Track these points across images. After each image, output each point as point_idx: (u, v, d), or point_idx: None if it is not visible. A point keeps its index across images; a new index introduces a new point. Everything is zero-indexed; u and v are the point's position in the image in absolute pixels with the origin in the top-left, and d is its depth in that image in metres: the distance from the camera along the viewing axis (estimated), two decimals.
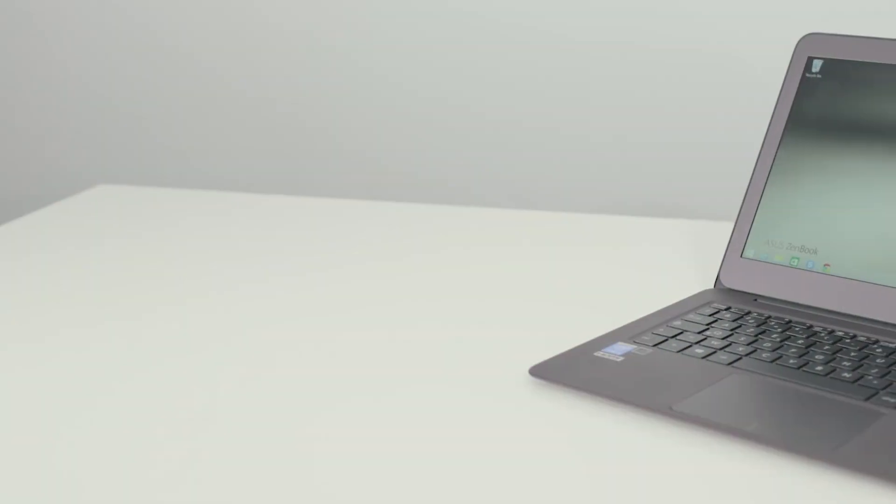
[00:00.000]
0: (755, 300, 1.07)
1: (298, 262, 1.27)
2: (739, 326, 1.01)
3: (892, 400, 0.86)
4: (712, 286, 1.12)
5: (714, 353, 0.96)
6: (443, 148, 1.88)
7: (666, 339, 0.99)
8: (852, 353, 0.95)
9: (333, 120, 1.92)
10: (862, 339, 0.98)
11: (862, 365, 0.93)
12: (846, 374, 0.91)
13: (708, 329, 1.01)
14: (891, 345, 0.96)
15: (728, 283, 1.10)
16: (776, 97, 1.12)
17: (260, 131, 1.95)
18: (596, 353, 0.96)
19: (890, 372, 0.91)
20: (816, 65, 1.12)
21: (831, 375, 0.91)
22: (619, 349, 0.97)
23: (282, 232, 1.38)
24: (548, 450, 0.83)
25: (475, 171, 1.87)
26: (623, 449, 0.84)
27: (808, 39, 1.13)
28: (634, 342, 0.98)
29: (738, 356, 0.95)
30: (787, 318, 1.03)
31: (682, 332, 1.00)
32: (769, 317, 1.03)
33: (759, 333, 1.00)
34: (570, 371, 0.94)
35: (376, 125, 1.90)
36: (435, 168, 1.89)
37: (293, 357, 1.00)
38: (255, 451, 0.83)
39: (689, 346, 0.97)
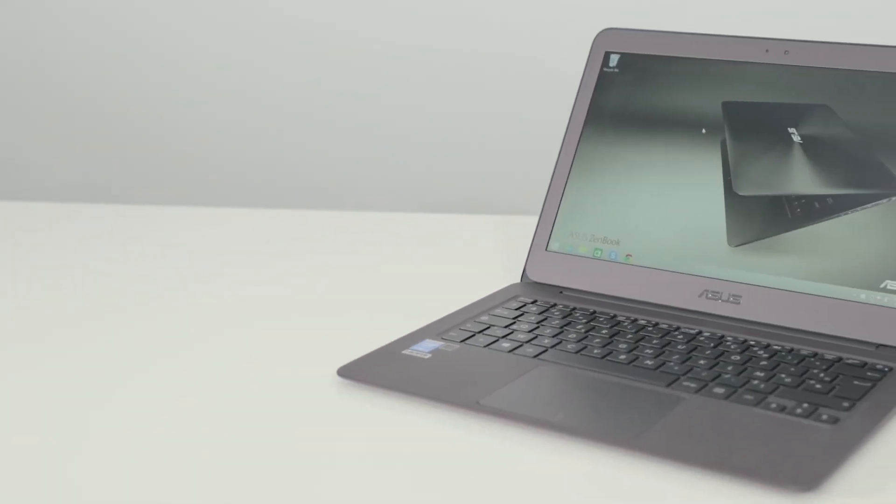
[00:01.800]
0: (561, 292, 1.09)
1: (113, 265, 1.24)
2: (545, 319, 1.02)
3: (693, 385, 0.88)
4: (519, 280, 1.13)
5: (520, 346, 0.96)
6: (252, 149, 1.86)
7: (473, 335, 0.99)
8: (654, 341, 0.97)
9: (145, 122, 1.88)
10: (664, 326, 1.00)
11: (664, 352, 0.95)
12: (648, 362, 0.93)
13: (514, 323, 1.01)
14: (691, 331, 0.99)
15: (534, 276, 1.11)
16: (575, 92, 1.13)
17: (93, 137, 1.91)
18: (404, 352, 0.96)
19: (690, 358, 0.93)
20: (613, 59, 1.14)
21: (634, 363, 0.93)
22: (427, 346, 0.97)
23: (106, 238, 1.35)
24: (356, 449, 0.83)
25: (281, 173, 1.86)
26: (431, 446, 0.84)
27: (605, 34, 1.15)
28: (442, 339, 0.98)
29: (544, 348, 0.96)
30: (592, 308, 1.04)
31: (489, 327, 1.00)
32: (574, 308, 1.05)
33: (565, 325, 1.01)
34: (378, 370, 0.93)
35: (193, 125, 1.87)
36: (241, 170, 1.87)
37: (102, 353, 0.98)
38: (97, 453, 0.81)
39: (496, 341, 0.98)
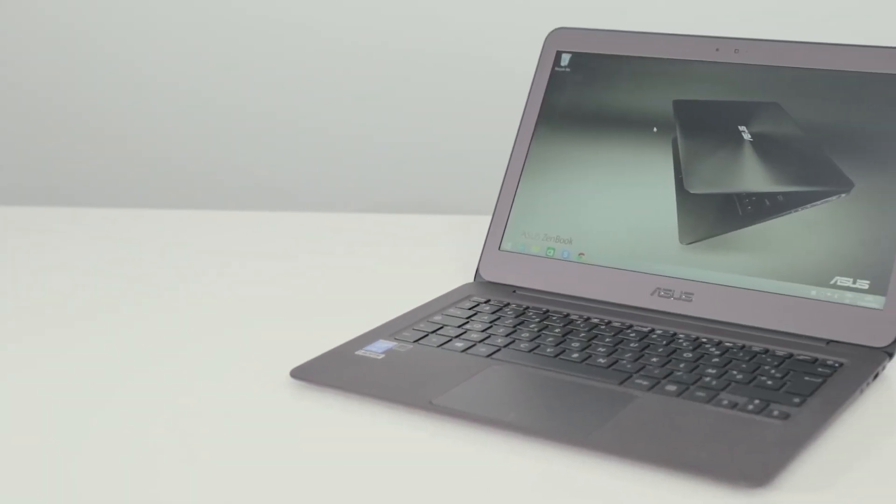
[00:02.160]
0: (514, 291, 1.09)
1: (74, 267, 1.23)
2: (498, 318, 1.02)
3: (645, 383, 0.89)
4: (472, 280, 1.13)
5: (473, 345, 0.96)
6: (206, 151, 1.85)
7: (426, 335, 0.99)
8: (607, 339, 0.97)
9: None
10: (616, 324, 1.00)
11: (616, 350, 0.95)
12: (601, 360, 0.93)
13: (468, 322, 1.01)
14: (643, 329, 0.99)
15: (487, 276, 1.11)
16: (527, 91, 1.14)
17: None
18: (357, 352, 0.96)
19: (643, 356, 0.94)
20: (565, 59, 1.14)
21: (587, 362, 0.93)
22: (380, 347, 0.97)
23: (53, 242, 1.34)
24: (309, 450, 0.83)
25: (234, 174, 1.85)
26: (384, 446, 0.83)
27: (557, 34, 1.15)
28: (395, 339, 0.98)
29: (497, 348, 0.96)
30: (545, 307, 1.04)
31: (442, 327, 1.00)
32: (527, 307, 1.05)
33: (518, 324, 1.01)
34: (331, 371, 0.93)
35: (153, 127, 1.86)
36: (194, 173, 1.86)
37: (60, 359, 0.97)
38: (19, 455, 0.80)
39: (449, 341, 0.98)
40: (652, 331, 0.99)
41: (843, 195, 0.99)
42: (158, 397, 0.91)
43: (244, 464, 0.81)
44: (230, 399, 0.91)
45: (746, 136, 1.04)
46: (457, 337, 0.98)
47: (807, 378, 0.89)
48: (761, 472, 0.76)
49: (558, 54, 1.14)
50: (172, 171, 1.86)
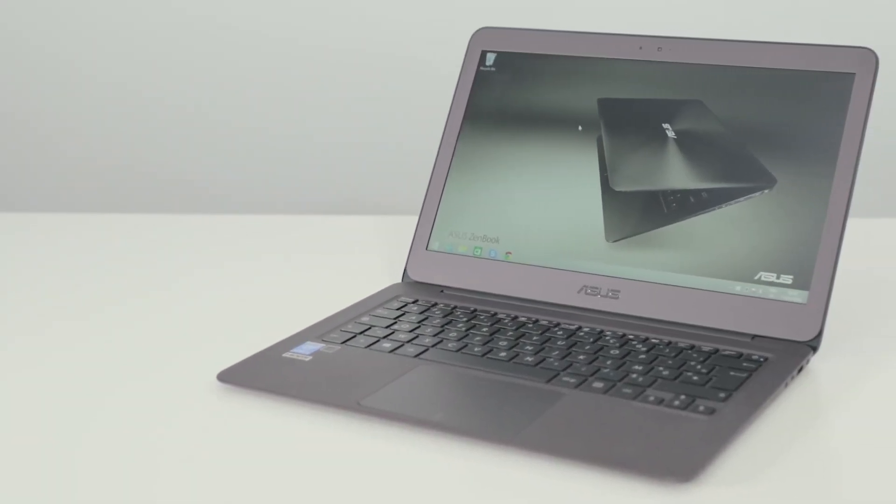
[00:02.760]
0: (442, 291, 1.09)
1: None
2: (426, 318, 1.02)
3: (572, 380, 0.89)
4: (400, 280, 1.12)
5: (401, 346, 0.96)
6: (128, 152, 1.84)
7: (354, 336, 0.99)
8: (534, 338, 0.97)
9: None
10: (544, 322, 1.01)
11: (544, 348, 0.95)
12: (529, 359, 0.93)
13: (395, 323, 1.01)
14: (571, 327, 0.99)
15: (415, 276, 1.11)
16: (453, 91, 1.14)
17: None
18: (284, 355, 0.95)
19: (570, 353, 0.94)
20: (490, 58, 1.14)
21: (514, 360, 0.93)
22: (308, 349, 0.96)
23: None
24: (237, 453, 0.82)
25: (159, 176, 1.84)
26: (312, 447, 0.83)
27: (481, 33, 1.15)
28: (323, 341, 0.98)
29: (425, 348, 0.96)
30: (473, 307, 1.05)
31: (369, 328, 1.00)
32: (455, 307, 1.05)
33: (446, 324, 1.01)
34: (259, 374, 0.92)
35: (66, 128, 1.84)
36: (117, 174, 1.84)
37: None
38: None
39: (377, 341, 0.97)
40: (579, 328, 0.99)
41: (766, 191, 1.00)
42: (84, 401, 0.90)
43: (171, 468, 0.80)
44: (156, 404, 0.90)
45: (670, 134, 1.05)
46: (385, 337, 0.98)
47: (732, 373, 0.90)
48: (687, 468, 0.76)
49: (483, 54, 1.14)
50: (101, 173, 1.85)
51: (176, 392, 0.92)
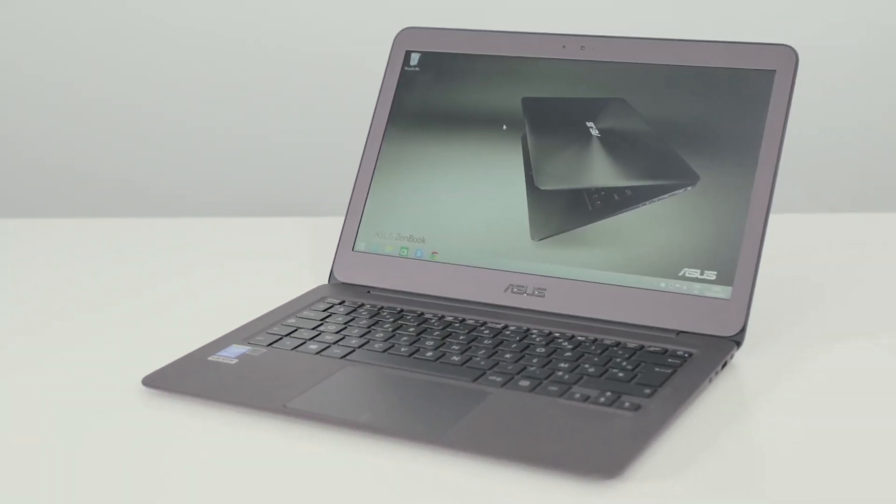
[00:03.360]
0: (369, 292, 1.09)
1: None
2: (353, 319, 1.02)
3: (499, 379, 0.89)
4: (327, 282, 1.12)
5: (328, 347, 0.96)
6: (50, 153, 1.82)
7: (280, 338, 0.98)
8: (461, 337, 0.97)
9: None
10: (470, 322, 1.01)
11: (470, 347, 0.95)
12: (455, 358, 0.93)
13: (322, 324, 1.01)
14: (497, 326, 0.99)
15: (341, 277, 1.11)
16: (378, 91, 1.13)
17: None
18: (209, 358, 0.95)
19: (496, 352, 0.94)
20: (414, 58, 1.14)
21: (441, 360, 0.93)
22: (234, 352, 0.96)
23: None
24: (163, 458, 0.81)
25: (89, 179, 1.82)
26: (238, 451, 0.82)
27: (406, 33, 1.15)
28: (249, 343, 0.97)
29: (352, 349, 0.96)
30: (400, 307, 1.04)
31: (296, 330, 1.00)
32: (382, 307, 1.04)
33: (372, 325, 1.01)
34: (184, 378, 0.92)
35: None
36: (39, 177, 1.82)
37: None
38: None
39: (303, 343, 0.97)
40: (505, 327, 0.99)
41: (690, 188, 1.01)
42: (7, 407, 0.89)
43: (94, 474, 0.79)
44: (79, 409, 0.89)
45: (594, 132, 1.05)
46: (311, 339, 0.98)
47: (657, 369, 0.90)
48: (612, 464, 0.77)
49: (408, 54, 1.14)
50: (27, 176, 1.82)
51: (100, 397, 0.91)
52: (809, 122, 1.63)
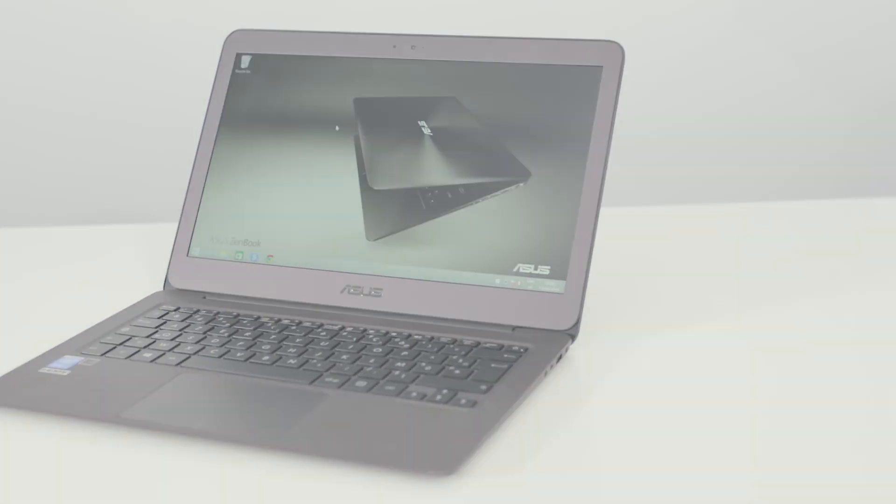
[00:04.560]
0: (204, 298, 1.07)
1: None
2: (188, 326, 1.01)
3: (335, 380, 0.89)
4: (162, 288, 1.10)
5: (163, 355, 0.95)
6: None
7: (114, 347, 0.96)
8: (298, 340, 0.97)
9: None
10: (307, 324, 1.00)
11: (307, 350, 0.95)
12: (292, 361, 0.93)
13: (156, 332, 0.99)
14: (334, 327, 0.99)
15: (176, 283, 1.09)
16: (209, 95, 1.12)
17: None
18: (41, 370, 0.93)
19: (333, 354, 0.94)
20: (245, 61, 1.13)
21: (278, 363, 0.93)
22: (66, 363, 0.94)
23: None
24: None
25: None
26: (72, 464, 0.81)
27: (236, 36, 1.14)
28: (82, 354, 0.96)
29: (187, 355, 0.94)
30: (236, 312, 1.04)
31: (130, 338, 0.98)
32: (218, 313, 1.04)
33: (208, 330, 1.00)
34: (13, 391, 0.90)
35: None
36: None
37: None
38: None
39: (138, 351, 0.96)
40: (342, 328, 0.99)
41: (521, 184, 1.02)
42: None
43: None
44: None
45: (426, 131, 1.06)
46: (145, 347, 0.96)
47: (493, 365, 0.91)
48: (448, 460, 0.77)
49: (238, 56, 1.13)
50: None
51: None
52: (637, 116, 1.66)
